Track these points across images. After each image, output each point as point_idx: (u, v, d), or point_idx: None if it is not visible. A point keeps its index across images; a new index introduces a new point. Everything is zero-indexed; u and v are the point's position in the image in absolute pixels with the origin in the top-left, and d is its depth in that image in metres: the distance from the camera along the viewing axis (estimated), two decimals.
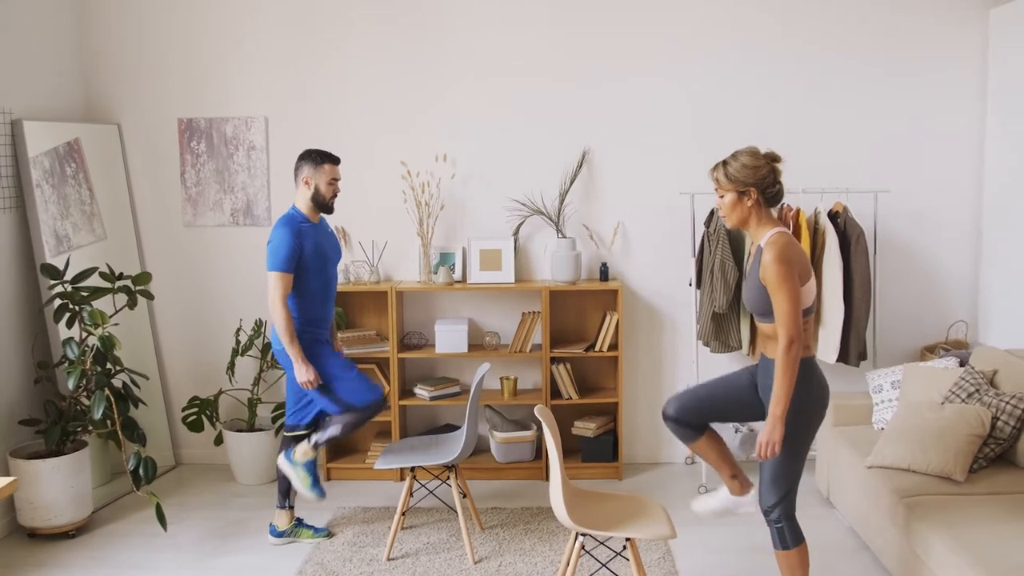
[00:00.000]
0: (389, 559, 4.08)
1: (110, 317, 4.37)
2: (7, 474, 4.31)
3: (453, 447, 4.16)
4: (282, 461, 4.15)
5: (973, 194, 5.13)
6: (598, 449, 5.08)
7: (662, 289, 5.24)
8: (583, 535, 3.29)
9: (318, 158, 4.07)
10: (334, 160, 4.12)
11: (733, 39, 5.08)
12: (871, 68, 5.07)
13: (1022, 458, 3.79)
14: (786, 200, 4.86)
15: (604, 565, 3.63)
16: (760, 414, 3.26)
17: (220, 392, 5.18)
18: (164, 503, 4.59)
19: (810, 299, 3.09)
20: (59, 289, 4.41)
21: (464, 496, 4.44)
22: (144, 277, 4.56)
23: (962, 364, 4.33)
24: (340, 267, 5.06)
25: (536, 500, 4.77)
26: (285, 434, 4.25)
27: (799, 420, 3.07)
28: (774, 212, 3.18)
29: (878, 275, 5.07)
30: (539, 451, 5.18)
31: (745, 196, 3.08)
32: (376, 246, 5.25)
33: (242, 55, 5.19)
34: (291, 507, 4.29)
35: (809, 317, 3.11)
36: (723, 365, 5.04)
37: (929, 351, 5.01)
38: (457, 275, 5.16)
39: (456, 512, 4.56)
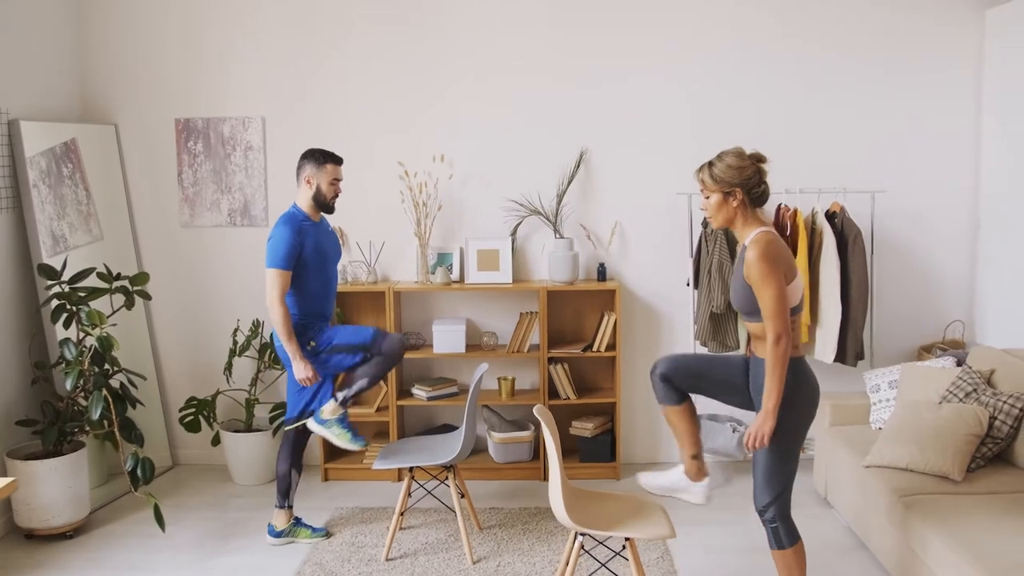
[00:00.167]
0: (388, 559, 4.07)
1: (108, 317, 4.36)
2: (4, 475, 4.30)
3: (451, 447, 4.15)
4: (313, 425, 4.12)
5: (970, 194, 5.15)
6: (596, 449, 5.08)
7: (660, 289, 5.24)
8: (583, 535, 3.29)
9: (321, 158, 4.08)
10: (337, 160, 4.13)
11: (733, 39, 5.09)
12: (870, 68, 5.08)
13: (1020, 457, 3.80)
14: (784, 200, 4.88)
15: (604, 565, 3.63)
16: (744, 403, 3.30)
17: (217, 392, 5.17)
18: (162, 504, 4.57)
19: (796, 298, 3.10)
20: (56, 289, 4.40)
21: (462, 496, 4.44)
22: (142, 277, 4.55)
23: (959, 364, 4.34)
24: (338, 267, 5.05)
25: (534, 500, 4.77)
26: (286, 429, 4.23)
27: (790, 420, 3.09)
28: (761, 213, 3.19)
29: (875, 275, 5.08)
30: (537, 451, 5.18)
31: (731, 197, 3.10)
32: (373, 246, 5.25)
33: (239, 55, 5.19)
34: (290, 507, 4.29)
35: (796, 316, 3.12)
36: None
37: (926, 351, 5.02)
38: (455, 275, 5.16)
39: (454, 512, 4.56)
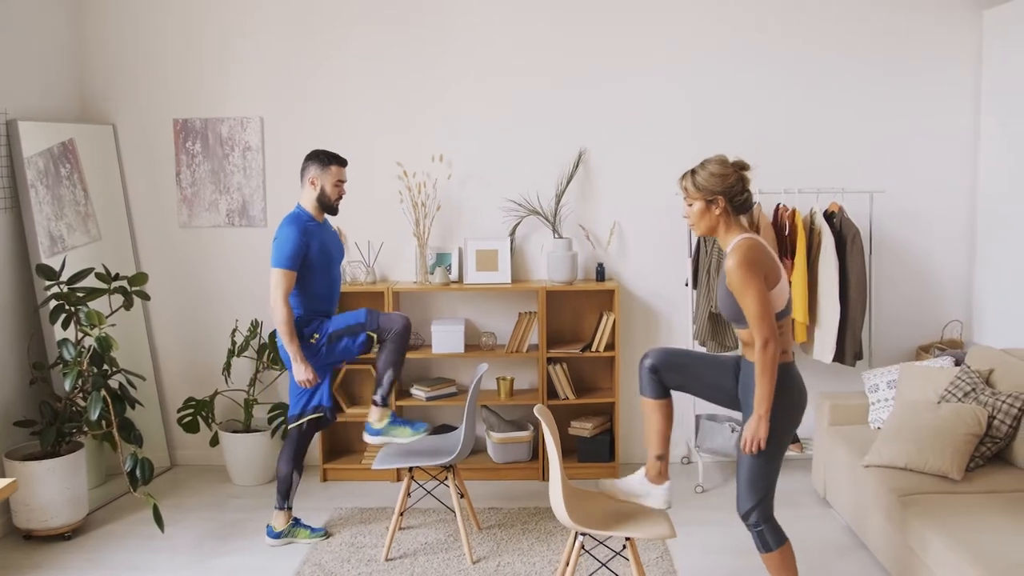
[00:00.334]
0: (387, 559, 4.07)
1: (106, 318, 4.35)
2: (3, 475, 4.29)
3: (451, 447, 4.15)
4: (370, 438, 4.10)
5: (968, 194, 5.15)
6: (595, 449, 5.09)
7: (658, 289, 5.25)
8: (583, 534, 3.29)
9: (325, 159, 4.08)
10: (341, 162, 4.13)
11: (733, 39, 5.09)
12: (870, 68, 5.08)
13: (1018, 457, 3.81)
14: (783, 200, 4.89)
15: (604, 564, 3.63)
16: (731, 403, 3.32)
17: (216, 393, 5.16)
18: (160, 504, 4.57)
19: (782, 302, 3.09)
20: (55, 290, 4.39)
21: (462, 496, 4.44)
22: (140, 278, 4.54)
23: (957, 363, 4.35)
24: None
25: (533, 500, 4.77)
26: (289, 427, 4.23)
27: (778, 426, 3.09)
28: (744, 219, 3.19)
29: (873, 275, 5.09)
30: (536, 451, 5.18)
31: (713, 204, 3.11)
32: (372, 246, 5.25)
33: (237, 55, 5.18)
34: (289, 508, 4.28)
35: (784, 320, 3.12)
36: None
37: (925, 351, 5.03)
38: (454, 275, 5.15)
39: (454, 512, 4.56)
